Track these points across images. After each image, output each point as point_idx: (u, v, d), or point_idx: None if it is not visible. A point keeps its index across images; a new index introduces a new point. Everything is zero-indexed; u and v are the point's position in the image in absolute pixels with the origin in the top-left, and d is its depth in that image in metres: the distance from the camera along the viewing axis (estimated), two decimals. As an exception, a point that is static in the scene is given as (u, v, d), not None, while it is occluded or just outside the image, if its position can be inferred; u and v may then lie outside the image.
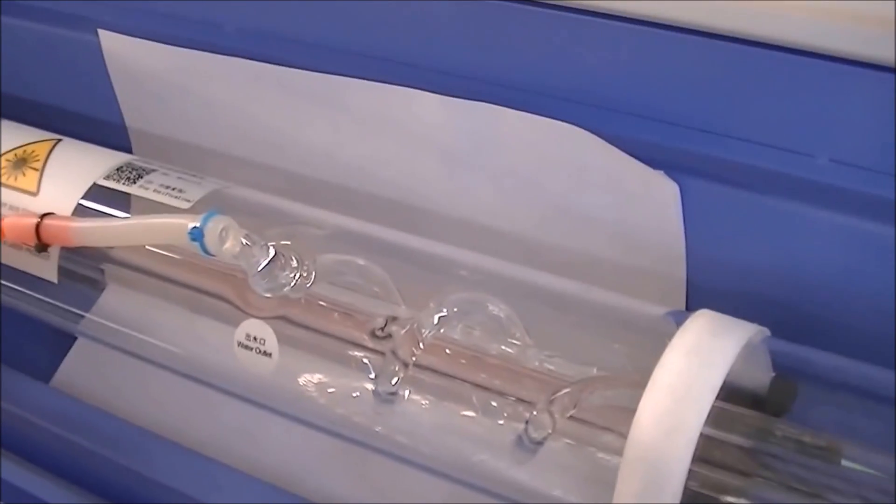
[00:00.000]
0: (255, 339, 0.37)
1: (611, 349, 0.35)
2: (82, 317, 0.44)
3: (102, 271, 0.43)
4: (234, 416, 0.44)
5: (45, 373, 0.50)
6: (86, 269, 0.43)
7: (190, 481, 0.42)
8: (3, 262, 0.44)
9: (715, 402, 0.31)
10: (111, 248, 0.42)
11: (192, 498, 0.41)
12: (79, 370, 0.49)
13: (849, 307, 0.37)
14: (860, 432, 0.32)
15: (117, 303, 0.43)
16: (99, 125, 0.51)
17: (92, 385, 0.48)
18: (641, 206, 0.38)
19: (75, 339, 0.50)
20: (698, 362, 0.31)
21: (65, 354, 0.50)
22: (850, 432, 0.32)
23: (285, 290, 0.37)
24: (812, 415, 0.33)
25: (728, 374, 0.32)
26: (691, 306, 0.39)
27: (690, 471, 0.30)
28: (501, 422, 0.34)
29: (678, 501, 0.30)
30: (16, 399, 0.47)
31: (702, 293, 0.39)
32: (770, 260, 0.37)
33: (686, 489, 0.30)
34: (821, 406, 0.34)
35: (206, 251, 0.36)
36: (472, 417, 0.35)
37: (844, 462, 0.31)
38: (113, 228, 0.39)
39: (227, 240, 0.36)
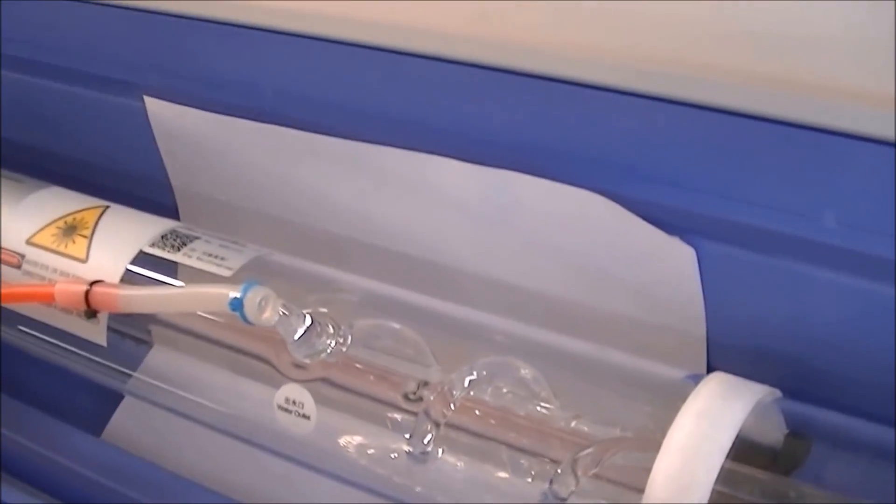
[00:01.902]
0: (294, 402, 0.41)
1: (633, 410, 0.39)
2: (129, 376, 0.48)
3: (149, 332, 0.47)
4: (277, 468, 0.47)
5: (97, 425, 0.54)
6: (133, 331, 0.47)
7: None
8: (54, 324, 0.48)
9: (728, 461, 0.34)
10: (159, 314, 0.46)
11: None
12: (128, 424, 0.53)
13: (858, 364, 0.40)
14: (873, 492, 0.35)
15: (162, 362, 0.47)
16: (146, 184, 0.55)
17: (141, 438, 0.52)
18: (661, 269, 0.41)
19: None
20: (708, 424, 0.34)
21: (116, 407, 0.54)
22: (864, 492, 0.35)
23: (322, 355, 0.41)
24: (827, 473, 0.37)
25: (741, 433, 0.35)
26: (712, 362, 0.42)
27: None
28: (529, 480, 0.38)
29: (692, 558, 0.33)
30: (68, 451, 0.51)
31: (722, 350, 0.42)
32: (784, 318, 0.40)
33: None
34: (835, 464, 0.38)
35: (245, 320, 0.39)
36: (501, 475, 0.38)
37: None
38: (158, 297, 0.43)
39: (266, 309, 0.39)
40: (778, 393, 0.37)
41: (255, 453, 0.47)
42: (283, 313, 0.40)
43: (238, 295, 0.39)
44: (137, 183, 0.55)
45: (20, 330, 0.50)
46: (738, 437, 0.35)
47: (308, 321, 0.40)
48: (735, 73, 0.38)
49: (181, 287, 0.44)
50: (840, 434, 0.39)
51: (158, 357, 0.47)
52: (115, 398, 0.54)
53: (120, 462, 0.51)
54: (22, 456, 0.52)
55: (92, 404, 0.55)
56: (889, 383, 0.39)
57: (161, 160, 0.54)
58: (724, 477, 0.34)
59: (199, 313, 0.44)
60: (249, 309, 0.39)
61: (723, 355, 0.42)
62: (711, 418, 0.34)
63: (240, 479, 0.49)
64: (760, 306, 0.41)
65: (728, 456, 0.34)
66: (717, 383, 0.36)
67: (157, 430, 0.52)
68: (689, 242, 0.40)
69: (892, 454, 0.38)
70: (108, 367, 0.48)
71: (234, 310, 0.39)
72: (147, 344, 0.47)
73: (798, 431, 0.38)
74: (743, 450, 0.35)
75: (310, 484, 0.47)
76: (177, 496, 0.48)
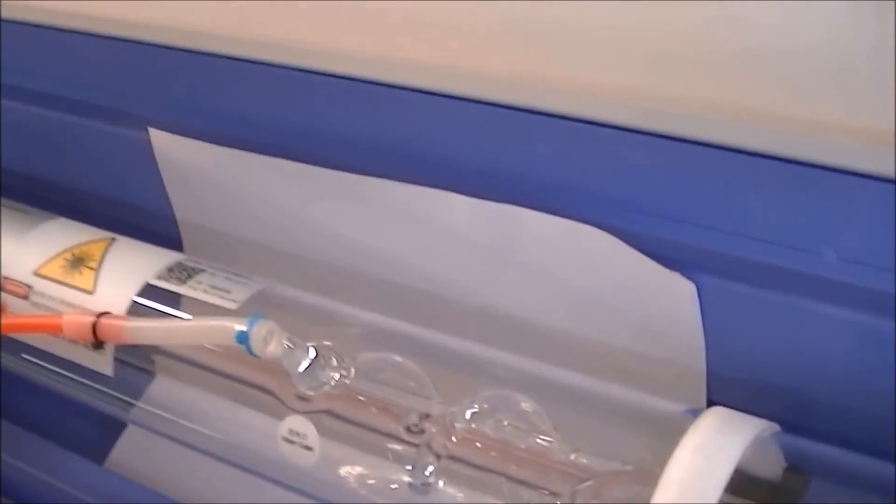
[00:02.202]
0: (297, 434, 0.42)
1: (633, 444, 0.39)
2: (134, 405, 0.49)
3: (154, 362, 0.48)
4: (279, 499, 0.48)
5: (100, 454, 0.55)
6: (138, 361, 0.48)
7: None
8: (60, 354, 0.49)
9: (727, 496, 0.35)
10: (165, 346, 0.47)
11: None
12: (131, 452, 0.54)
13: (858, 398, 0.40)
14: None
15: (167, 392, 0.48)
16: (150, 216, 0.56)
17: (143, 467, 0.53)
18: (661, 303, 0.42)
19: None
20: (705, 459, 0.35)
21: (119, 436, 0.55)
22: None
23: (325, 388, 0.42)
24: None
25: (739, 467, 0.36)
26: (712, 396, 0.43)
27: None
28: (531, 513, 0.39)
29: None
30: (70, 479, 0.52)
31: (722, 384, 0.43)
32: (784, 352, 0.41)
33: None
34: (834, 499, 0.38)
35: (251, 353, 0.40)
36: (504, 508, 0.39)
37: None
38: (165, 329, 0.44)
39: (271, 343, 0.40)
40: (777, 427, 0.37)
41: (257, 484, 0.48)
42: (288, 346, 0.41)
43: (244, 328, 0.40)
44: (141, 214, 0.56)
45: (24, 358, 0.51)
46: (736, 470, 0.36)
47: (312, 354, 0.41)
48: (737, 111, 0.39)
49: (188, 320, 0.45)
50: (839, 469, 0.40)
51: (163, 387, 0.48)
52: (118, 427, 0.55)
53: (122, 491, 0.52)
54: (24, 483, 0.53)
55: (96, 433, 0.55)
56: (889, 418, 0.40)
57: (165, 192, 0.55)
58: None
59: (205, 345, 0.45)
60: (255, 342, 0.40)
61: (723, 389, 0.43)
62: (709, 453, 0.35)
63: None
64: (760, 340, 0.41)
65: (726, 490, 0.35)
66: (715, 418, 0.36)
67: (160, 459, 0.53)
68: (689, 277, 0.41)
69: (891, 489, 0.39)
70: (114, 396, 0.49)
71: (240, 343, 0.40)
72: (152, 374, 0.48)
73: (797, 466, 0.39)
74: (741, 483, 0.36)
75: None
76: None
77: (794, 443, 0.40)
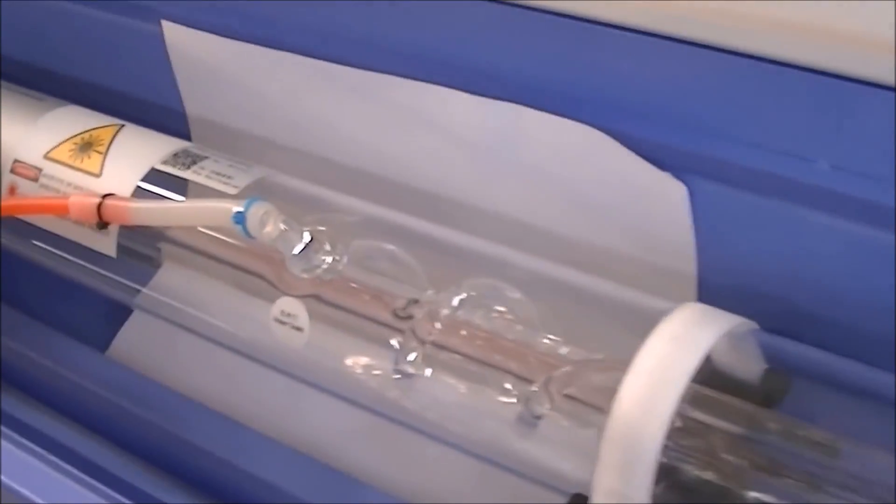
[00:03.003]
0: (289, 315, 0.44)
1: (617, 337, 0.41)
2: (138, 291, 0.51)
3: (156, 248, 0.50)
4: (275, 390, 0.51)
5: (102, 343, 0.58)
6: (141, 246, 0.50)
7: (229, 449, 0.49)
8: (68, 237, 0.51)
9: (702, 388, 0.37)
10: (165, 228, 0.49)
11: (230, 463, 0.48)
12: (134, 341, 0.56)
13: (849, 307, 0.41)
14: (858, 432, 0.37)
15: (170, 279, 0.50)
16: (160, 111, 0.58)
17: (146, 356, 0.55)
18: (652, 205, 0.43)
19: (132, 311, 0.57)
20: (677, 348, 0.36)
21: (121, 325, 0.58)
22: (846, 430, 0.37)
23: (318, 271, 0.44)
24: (810, 411, 0.39)
25: (716, 363, 0.38)
26: (702, 300, 0.44)
27: (668, 448, 0.36)
28: (508, 398, 0.41)
29: (652, 475, 0.35)
30: (73, 366, 0.55)
31: (712, 289, 0.44)
32: (775, 260, 0.42)
33: (663, 464, 0.36)
34: (818, 403, 0.40)
35: (247, 234, 0.42)
36: (482, 393, 0.41)
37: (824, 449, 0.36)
38: (166, 210, 0.46)
39: (267, 224, 0.42)
40: (754, 325, 0.39)
41: (256, 374, 0.50)
42: (284, 229, 0.43)
43: (241, 209, 0.43)
44: (152, 107, 0.58)
45: (32, 243, 0.53)
46: (713, 367, 0.38)
47: (307, 237, 0.43)
48: (733, 13, 0.40)
49: (188, 201, 0.47)
50: (825, 373, 0.42)
51: (162, 272, 0.50)
52: (121, 317, 0.58)
53: (123, 378, 0.54)
54: (23, 367, 0.55)
55: (99, 321, 0.58)
56: (882, 328, 0.41)
57: (176, 85, 0.57)
58: (696, 401, 0.36)
59: (204, 231, 0.47)
60: (251, 223, 0.42)
61: (713, 294, 0.44)
62: (680, 342, 0.37)
63: (239, 401, 0.52)
64: (752, 246, 0.43)
65: (702, 384, 0.37)
66: (691, 311, 0.38)
67: (162, 348, 0.55)
68: (682, 180, 0.43)
69: (880, 395, 0.40)
70: (117, 280, 0.51)
71: (236, 223, 0.43)
72: (153, 259, 0.50)
73: (777, 367, 0.40)
74: (719, 380, 0.38)
75: (303, 406, 0.50)
76: (175, 413, 0.52)
77: (781, 346, 0.41)
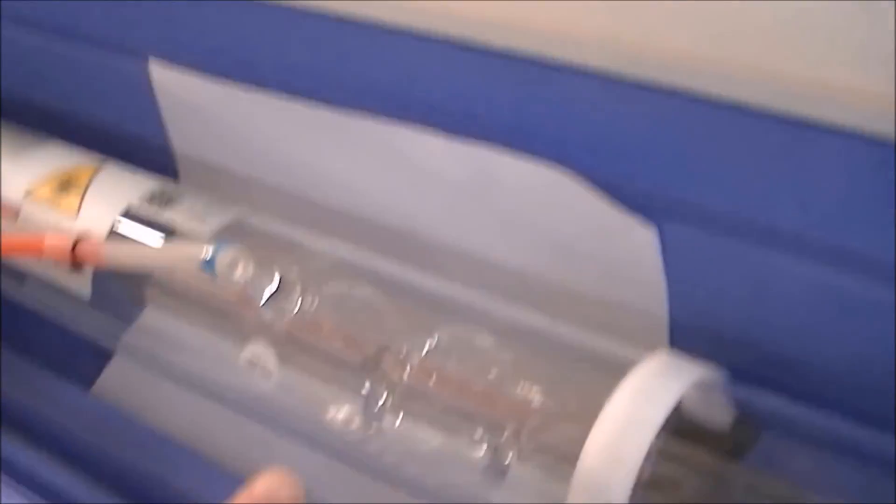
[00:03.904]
0: (258, 358, 0.43)
1: (590, 385, 0.40)
2: (116, 332, 0.51)
3: (135, 291, 0.49)
4: (250, 433, 0.49)
5: (88, 379, 0.57)
6: (117, 286, 0.49)
7: (209, 490, 0.48)
8: (45, 277, 0.50)
9: (670, 439, 0.36)
10: (140, 270, 0.48)
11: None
12: (118, 379, 0.56)
13: (815, 352, 0.40)
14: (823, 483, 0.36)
15: (146, 322, 0.49)
16: (149, 148, 0.57)
17: (130, 394, 0.55)
18: (623, 248, 0.42)
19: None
20: (644, 400, 0.35)
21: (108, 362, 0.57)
22: (814, 482, 0.36)
23: (289, 315, 0.43)
24: (779, 460, 0.38)
25: (685, 413, 0.37)
26: (674, 343, 0.43)
27: (633, 501, 0.35)
28: (477, 447, 0.39)
29: (619, 529, 0.34)
30: (57, 404, 0.54)
31: (684, 332, 0.43)
32: (745, 303, 0.41)
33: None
34: (787, 452, 0.39)
35: (217, 277, 0.42)
36: (451, 440, 0.40)
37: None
38: (136, 253, 0.45)
39: (238, 267, 0.42)
40: (723, 374, 0.38)
41: (232, 416, 0.49)
42: (254, 272, 0.42)
43: (211, 253, 0.42)
44: (139, 145, 0.57)
45: (14, 282, 0.53)
46: (682, 416, 0.37)
47: (277, 281, 0.42)
48: (703, 59, 0.39)
49: (159, 244, 0.46)
50: (793, 422, 0.40)
51: (138, 314, 0.49)
52: (107, 354, 0.57)
53: (107, 417, 0.53)
54: (6, 404, 0.54)
55: (84, 360, 0.57)
56: (847, 373, 0.40)
57: (163, 123, 0.56)
58: (663, 453, 0.35)
59: (177, 272, 0.47)
60: (221, 267, 0.42)
61: (684, 336, 0.43)
62: (647, 394, 0.36)
63: (216, 441, 0.51)
64: (722, 289, 0.42)
65: (670, 434, 0.36)
66: (658, 362, 0.37)
67: (145, 387, 0.54)
68: (652, 223, 0.42)
69: (847, 446, 0.39)
70: (92, 320, 0.50)
71: (206, 267, 0.42)
72: (129, 300, 0.49)
73: (746, 416, 0.39)
74: (687, 430, 0.37)
75: (284, 449, 0.49)
76: (161, 454, 0.51)
77: (750, 394, 0.40)
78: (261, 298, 0.42)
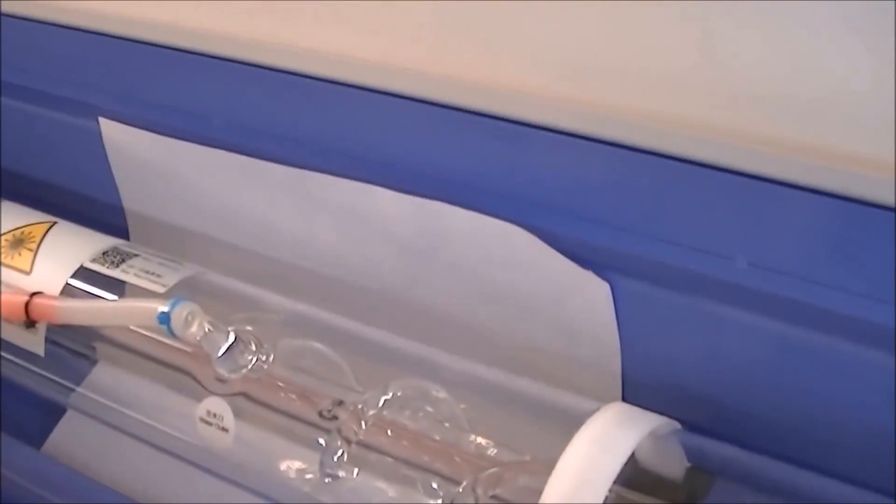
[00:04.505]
0: (214, 415, 0.43)
1: (544, 437, 0.40)
2: (69, 390, 0.50)
3: (86, 345, 0.48)
4: (207, 491, 0.49)
5: (39, 437, 0.56)
6: (71, 343, 0.49)
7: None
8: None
9: (625, 490, 0.36)
10: (95, 326, 0.47)
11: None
12: (69, 437, 0.55)
13: (768, 402, 0.41)
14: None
15: (99, 379, 0.49)
16: (98, 206, 0.57)
17: (81, 452, 0.54)
18: (576, 302, 0.42)
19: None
20: (599, 450, 0.35)
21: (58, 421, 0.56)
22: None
23: (244, 371, 0.42)
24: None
25: (640, 463, 0.37)
26: (627, 397, 0.43)
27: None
28: (434, 499, 0.39)
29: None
30: (7, 462, 0.53)
31: (636, 386, 0.43)
32: (697, 356, 0.42)
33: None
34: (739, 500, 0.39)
35: (172, 333, 0.41)
36: (408, 493, 0.40)
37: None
38: (91, 309, 0.45)
39: (193, 324, 0.41)
40: (676, 425, 0.38)
41: (187, 472, 0.49)
42: (209, 329, 0.41)
43: (166, 309, 0.41)
44: (90, 202, 0.57)
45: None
46: (636, 466, 0.37)
47: (232, 338, 0.42)
48: (651, 115, 0.40)
49: (114, 301, 0.46)
50: (748, 473, 0.41)
51: (91, 370, 0.49)
52: (57, 412, 0.56)
53: (56, 476, 0.52)
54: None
55: (36, 418, 0.56)
56: (799, 425, 0.40)
57: (114, 180, 0.56)
58: (620, 501, 0.35)
59: (134, 329, 0.46)
60: (176, 323, 0.41)
61: (637, 391, 0.43)
62: (603, 444, 0.35)
63: (171, 499, 0.50)
64: (675, 343, 0.42)
65: (625, 484, 0.36)
66: (613, 412, 0.37)
67: (97, 445, 0.53)
68: (605, 278, 0.42)
69: (799, 495, 0.39)
70: (45, 377, 0.49)
71: (161, 323, 0.41)
72: (83, 357, 0.49)
73: (699, 466, 0.39)
74: (641, 480, 0.37)
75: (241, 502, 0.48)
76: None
77: (704, 446, 0.40)
78: (216, 354, 0.42)
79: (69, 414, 0.55)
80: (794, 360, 0.40)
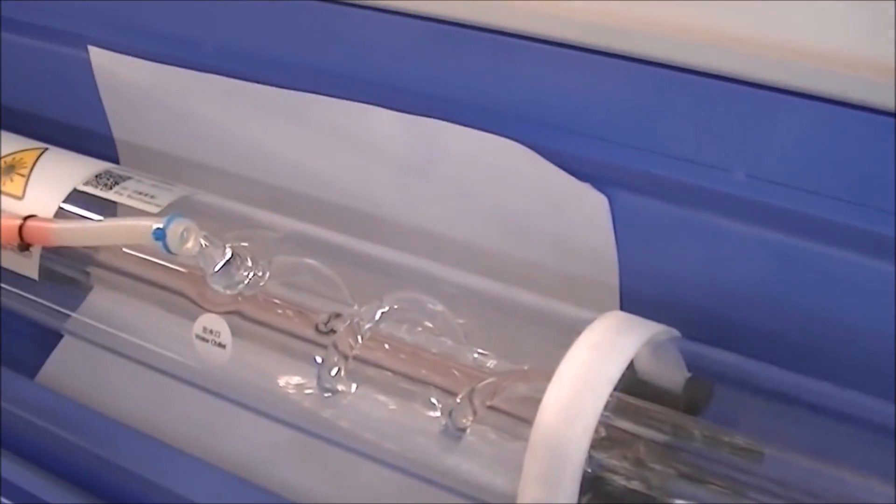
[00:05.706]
0: (211, 331, 0.42)
1: (542, 348, 0.39)
2: (64, 315, 0.49)
3: (80, 269, 0.47)
4: (203, 410, 0.48)
5: (33, 367, 0.55)
6: (64, 268, 0.48)
7: (158, 471, 0.46)
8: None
9: (626, 396, 0.35)
10: (89, 249, 0.46)
11: (160, 486, 0.45)
12: (64, 366, 0.54)
13: (766, 314, 0.40)
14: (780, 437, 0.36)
15: (95, 302, 0.48)
16: (88, 135, 0.56)
17: (76, 380, 0.53)
18: (574, 216, 0.42)
19: (62, 335, 0.54)
20: (599, 356, 0.35)
21: (51, 351, 0.55)
22: (769, 435, 0.36)
23: (240, 287, 0.41)
24: (733, 417, 0.37)
25: (639, 372, 0.36)
26: (625, 310, 0.43)
27: (591, 456, 0.34)
28: (433, 411, 0.39)
29: (577, 487, 0.34)
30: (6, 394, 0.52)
31: (635, 299, 0.43)
32: (695, 268, 0.41)
33: (588, 475, 0.34)
34: (740, 409, 0.38)
35: (168, 250, 0.40)
36: (406, 406, 0.39)
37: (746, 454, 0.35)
38: (86, 230, 0.44)
39: (188, 241, 0.40)
40: (676, 332, 0.37)
41: (183, 395, 0.48)
42: (204, 245, 0.41)
43: (161, 226, 0.40)
44: (80, 133, 0.56)
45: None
46: (636, 376, 0.36)
47: (228, 253, 0.41)
48: (651, 23, 0.39)
49: (108, 220, 0.45)
50: (747, 379, 0.40)
51: (87, 294, 0.48)
52: (51, 342, 0.55)
53: (51, 404, 0.51)
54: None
55: (29, 347, 0.55)
56: (799, 335, 0.40)
57: (104, 110, 0.55)
58: (619, 409, 0.35)
59: (129, 252, 0.45)
60: (171, 239, 0.40)
61: (636, 303, 0.42)
62: (602, 350, 0.35)
63: (167, 423, 0.49)
64: (672, 256, 0.41)
65: (624, 391, 0.35)
66: (613, 319, 0.36)
67: (92, 372, 0.53)
68: (602, 191, 0.41)
69: (801, 400, 0.39)
70: (40, 304, 0.49)
71: (157, 240, 0.40)
72: (76, 280, 0.48)
73: (700, 375, 0.38)
74: (642, 389, 0.36)
75: (231, 426, 0.48)
76: (104, 436, 0.49)
77: (702, 353, 0.40)
78: (212, 270, 0.41)
79: (63, 343, 0.54)
80: (793, 271, 0.39)
